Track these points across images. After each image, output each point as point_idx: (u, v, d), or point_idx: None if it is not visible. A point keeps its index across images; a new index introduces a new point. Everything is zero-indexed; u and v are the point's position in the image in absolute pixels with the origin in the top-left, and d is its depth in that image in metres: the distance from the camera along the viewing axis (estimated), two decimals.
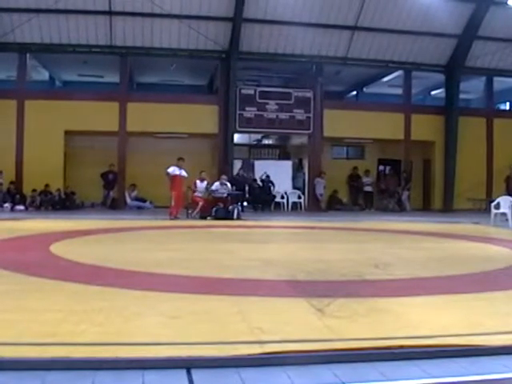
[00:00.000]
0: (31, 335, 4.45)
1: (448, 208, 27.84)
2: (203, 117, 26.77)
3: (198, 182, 21.96)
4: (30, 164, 25.30)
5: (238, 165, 28.57)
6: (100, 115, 25.66)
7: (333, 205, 28.30)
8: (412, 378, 3.81)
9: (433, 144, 28.97)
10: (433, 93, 33.19)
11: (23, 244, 11.88)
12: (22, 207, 24.17)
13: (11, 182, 24.97)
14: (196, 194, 21.82)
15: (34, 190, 24.97)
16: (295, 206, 28.07)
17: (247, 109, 26.94)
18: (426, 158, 29.93)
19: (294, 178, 29.61)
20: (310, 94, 27.59)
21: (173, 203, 20.85)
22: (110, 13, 24.91)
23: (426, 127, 28.48)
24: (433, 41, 27.30)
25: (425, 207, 29.58)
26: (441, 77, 29.06)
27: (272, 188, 26.98)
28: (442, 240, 14.49)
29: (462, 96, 29.29)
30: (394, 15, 25.99)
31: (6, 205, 23.87)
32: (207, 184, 22.19)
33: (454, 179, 28.17)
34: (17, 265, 8.28)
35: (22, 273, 7.57)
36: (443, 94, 29.61)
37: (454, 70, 28.00)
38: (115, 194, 26.72)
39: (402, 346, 4.29)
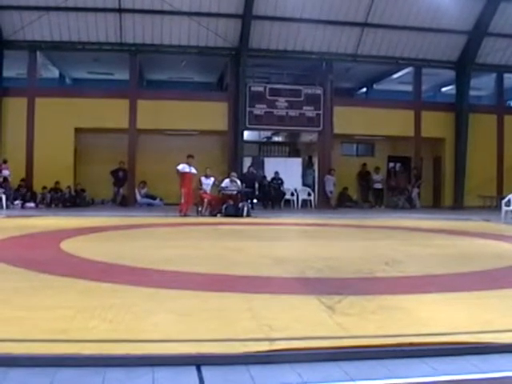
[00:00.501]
0: (42, 332, 4.47)
1: (458, 205, 27.77)
2: (213, 114, 26.79)
3: (203, 178, 21.95)
4: (40, 161, 25.40)
5: (247, 162, 28.56)
6: (110, 112, 25.73)
7: (343, 202, 28.29)
8: (422, 376, 3.80)
9: (443, 141, 28.89)
10: (443, 89, 33.09)
11: (34, 241, 11.92)
12: (32, 204, 24.28)
13: (22, 180, 25.06)
14: (202, 190, 21.82)
15: (44, 188, 25.08)
16: (305, 204, 28.03)
17: (257, 106, 26.95)
18: (436, 155, 29.86)
19: (303, 176, 29.58)
20: (319, 91, 27.57)
21: (183, 200, 20.90)
22: (119, 10, 24.97)
23: (437, 124, 28.40)
24: (443, 37, 27.23)
25: (435, 204, 29.51)
26: (451, 73, 28.98)
27: (282, 185, 26.95)
28: (453, 237, 14.45)
29: (472, 93, 29.19)
30: (404, 12, 25.93)
31: (17, 202, 23.97)
32: (214, 180, 22.20)
33: (464, 176, 28.09)
34: (27, 262, 8.32)
35: (32, 270, 7.59)
36: (453, 91, 29.51)
37: (464, 66, 27.91)
38: (125, 191, 26.82)
39: (411, 344, 4.28)
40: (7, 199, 23.43)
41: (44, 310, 5.30)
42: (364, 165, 29.54)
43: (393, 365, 3.96)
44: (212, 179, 22.18)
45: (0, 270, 7.75)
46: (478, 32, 26.85)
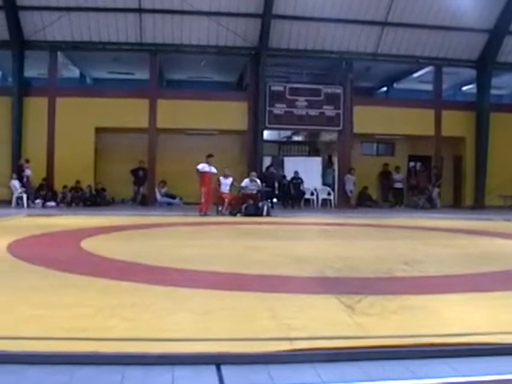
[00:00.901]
0: (61, 330, 4.48)
1: (479, 205, 27.57)
2: (233, 113, 26.81)
3: (221, 178, 21.95)
4: (61, 161, 25.56)
5: (267, 161, 28.54)
6: (130, 112, 25.83)
7: (363, 201, 28.20)
8: (442, 376, 3.77)
9: (464, 140, 28.70)
10: (464, 88, 32.85)
11: (54, 240, 11.99)
12: (53, 203, 24.46)
13: (43, 179, 25.24)
14: (221, 190, 21.83)
15: (64, 187, 25.25)
16: (325, 203, 27.97)
17: (277, 105, 26.94)
18: (457, 155, 29.67)
19: (323, 175, 29.55)
20: (339, 91, 27.50)
21: (203, 200, 20.93)
22: (139, 10, 25.08)
23: (457, 123, 28.22)
24: (464, 36, 27.05)
25: (455, 204, 29.33)
26: (472, 72, 28.77)
27: (301, 185, 26.91)
28: (473, 237, 14.36)
29: (493, 91, 28.96)
30: (424, 10, 25.80)
31: (38, 201, 24.14)
32: (233, 180, 22.20)
33: (485, 176, 27.89)
34: (48, 260, 8.36)
35: (52, 268, 7.64)
36: (474, 90, 29.32)
37: (485, 65, 27.70)
38: (145, 190, 26.90)
39: (431, 344, 4.25)
40: (28, 198, 23.61)
41: (64, 308, 5.32)
42: (386, 165, 29.42)
43: (413, 365, 3.93)
44: (230, 179, 22.18)
45: (20, 268, 7.82)
46: (499, 30, 26.65)
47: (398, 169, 29.16)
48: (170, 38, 26.09)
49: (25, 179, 24.15)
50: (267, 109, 26.84)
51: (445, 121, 28.18)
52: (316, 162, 29.79)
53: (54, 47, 26.04)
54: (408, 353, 4.14)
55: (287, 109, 27.04)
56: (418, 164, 29.84)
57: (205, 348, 4.11)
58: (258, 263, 8.77)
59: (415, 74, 30.41)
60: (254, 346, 4.18)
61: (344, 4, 25.48)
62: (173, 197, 26.98)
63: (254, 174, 22.93)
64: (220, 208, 21.63)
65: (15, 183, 23.84)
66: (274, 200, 26.02)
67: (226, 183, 21.99)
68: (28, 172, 24.38)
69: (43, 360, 3.83)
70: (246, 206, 21.11)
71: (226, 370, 3.77)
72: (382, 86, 34.04)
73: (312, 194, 27.86)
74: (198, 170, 20.97)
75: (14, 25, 24.85)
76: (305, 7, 25.31)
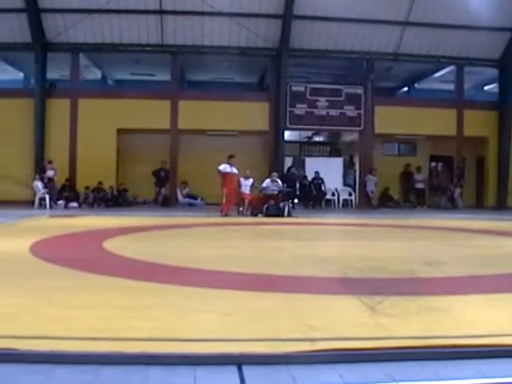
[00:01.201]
0: (85, 330, 4.52)
1: (502, 205, 27.40)
2: (254, 114, 26.82)
3: (242, 179, 21.96)
4: (83, 162, 25.75)
5: (288, 162, 28.56)
6: (152, 113, 25.93)
7: (384, 202, 28.11)
8: (465, 378, 3.75)
9: (486, 140, 28.52)
10: (486, 88, 32.62)
11: (77, 240, 12.08)
12: (75, 204, 24.64)
13: (66, 180, 25.44)
14: (241, 191, 21.86)
15: (87, 188, 25.42)
16: (346, 203, 27.95)
17: (298, 106, 26.96)
18: (480, 155, 29.48)
19: (344, 175, 29.53)
20: (360, 91, 27.46)
21: (224, 200, 20.95)
22: (160, 12, 25.20)
23: (479, 123, 28.03)
24: (485, 35, 26.83)
25: (478, 204, 29.15)
26: (494, 72, 28.58)
27: (322, 185, 26.88)
28: (497, 238, 14.25)
29: None
30: (445, 9, 25.65)
31: (60, 202, 24.32)
32: (253, 181, 22.21)
33: (508, 176, 27.70)
34: (70, 261, 8.42)
35: (75, 269, 7.69)
36: (497, 89, 29.11)
37: (507, 64, 27.50)
38: (167, 191, 27.01)
39: (454, 346, 4.23)
40: (51, 199, 23.79)
41: (87, 308, 5.36)
42: (407, 165, 29.29)
43: (435, 366, 3.92)
44: (251, 180, 22.20)
45: (43, 268, 7.88)
46: None
47: (419, 169, 29.02)
48: (191, 39, 26.19)
49: (46, 180, 24.31)
50: (288, 109, 26.85)
51: (467, 121, 28.00)
52: (337, 163, 29.78)
53: (75, 49, 26.25)
54: (430, 354, 4.12)
55: (308, 109, 27.05)
56: (440, 164, 29.69)
57: (226, 348, 4.12)
58: (280, 264, 8.78)
59: (436, 74, 30.24)
60: (275, 346, 4.19)
61: (365, 4, 25.40)
62: (194, 197, 27.05)
63: (275, 174, 22.93)
64: (241, 209, 21.67)
65: (38, 184, 24.03)
66: (296, 200, 26.01)
67: (247, 184, 22.02)
68: (51, 173, 24.56)
69: (68, 360, 3.86)
70: (267, 206, 21.12)
71: (247, 371, 3.79)
72: (404, 86, 33.89)
73: (333, 194, 27.85)
74: (219, 170, 21.01)
75: (37, 27, 25.07)
76: (325, 7, 25.26)
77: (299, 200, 26.95)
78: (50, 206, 23.44)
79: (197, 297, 6.03)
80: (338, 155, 31.48)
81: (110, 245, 10.65)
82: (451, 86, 29.21)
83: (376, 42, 26.82)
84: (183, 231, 15.17)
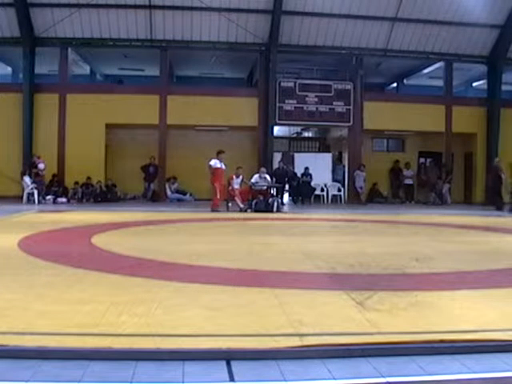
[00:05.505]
0: (74, 326, 4.51)
1: (489, 201, 27.44)
2: (243, 109, 26.84)
3: (234, 177, 21.95)
4: (71, 157, 25.70)
5: (277, 157, 28.59)
6: (140, 108, 25.93)
7: (373, 198, 28.20)
8: (452, 373, 3.77)
9: (474, 136, 28.64)
10: (474, 84, 32.74)
11: (66, 236, 12.05)
12: (64, 199, 24.55)
13: (54, 175, 25.34)
14: (230, 188, 21.83)
15: (75, 183, 25.36)
16: (335, 199, 28.02)
17: (287, 101, 26.96)
18: (468, 151, 29.60)
19: (333, 171, 29.53)
20: (349, 87, 27.48)
21: (218, 196, 20.90)
22: (149, 7, 25.13)
23: (468, 119, 28.16)
24: (474, 31, 26.97)
25: (466, 200, 29.29)
26: (483, 68, 28.68)
27: (312, 181, 26.90)
28: (484, 233, 14.32)
29: (504, 87, 28.82)
30: (435, 5, 25.74)
31: (49, 197, 24.23)
32: (243, 178, 22.18)
33: None
34: (59, 256, 8.40)
35: (64, 264, 7.67)
36: (485, 86, 29.22)
37: (496, 61, 27.63)
38: (156, 186, 26.96)
39: (442, 341, 4.25)
40: (39, 194, 23.69)
41: (75, 304, 5.35)
42: (396, 161, 29.37)
43: (423, 361, 3.94)
44: (240, 177, 22.20)
45: (32, 264, 7.84)
46: (511, 26, 26.52)
47: (408, 165, 29.11)
48: (180, 34, 26.14)
49: (37, 172, 24.16)
50: (277, 105, 26.85)
51: (455, 117, 28.10)
52: (326, 158, 29.81)
53: (64, 44, 26.17)
54: (418, 349, 4.14)
55: (297, 105, 27.05)
56: (429, 160, 29.77)
57: (215, 344, 4.12)
58: (269, 259, 8.79)
59: (426, 70, 30.34)
60: (264, 341, 4.20)
61: (354, 0, 25.43)
62: (183, 193, 27.04)
63: (263, 169, 22.92)
64: (230, 204, 21.66)
65: (26, 179, 23.92)
66: (285, 196, 26.01)
67: (237, 181, 22.01)
68: (42, 166, 24.36)
69: (57, 355, 3.86)
70: (255, 202, 21.11)
71: (236, 366, 3.79)
72: (393, 82, 33.97)
73: (322, 190, 27.90)
74: (210, 165, 20.99)
75: (25, 22, 24.98)
76: (315, 3, 25.31)
77: (288, 195, 26.95)
78: (39, 202, 23.32)
79: (186, 292, 6.03)
80: (327, 151, 31.54)
81: (98, 240, 10.63)
82: (440, 82, 29.31)
83: (365, 37, 26.85)
84: (172, 226, 15.13)
